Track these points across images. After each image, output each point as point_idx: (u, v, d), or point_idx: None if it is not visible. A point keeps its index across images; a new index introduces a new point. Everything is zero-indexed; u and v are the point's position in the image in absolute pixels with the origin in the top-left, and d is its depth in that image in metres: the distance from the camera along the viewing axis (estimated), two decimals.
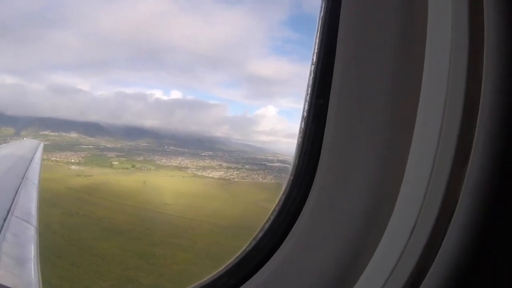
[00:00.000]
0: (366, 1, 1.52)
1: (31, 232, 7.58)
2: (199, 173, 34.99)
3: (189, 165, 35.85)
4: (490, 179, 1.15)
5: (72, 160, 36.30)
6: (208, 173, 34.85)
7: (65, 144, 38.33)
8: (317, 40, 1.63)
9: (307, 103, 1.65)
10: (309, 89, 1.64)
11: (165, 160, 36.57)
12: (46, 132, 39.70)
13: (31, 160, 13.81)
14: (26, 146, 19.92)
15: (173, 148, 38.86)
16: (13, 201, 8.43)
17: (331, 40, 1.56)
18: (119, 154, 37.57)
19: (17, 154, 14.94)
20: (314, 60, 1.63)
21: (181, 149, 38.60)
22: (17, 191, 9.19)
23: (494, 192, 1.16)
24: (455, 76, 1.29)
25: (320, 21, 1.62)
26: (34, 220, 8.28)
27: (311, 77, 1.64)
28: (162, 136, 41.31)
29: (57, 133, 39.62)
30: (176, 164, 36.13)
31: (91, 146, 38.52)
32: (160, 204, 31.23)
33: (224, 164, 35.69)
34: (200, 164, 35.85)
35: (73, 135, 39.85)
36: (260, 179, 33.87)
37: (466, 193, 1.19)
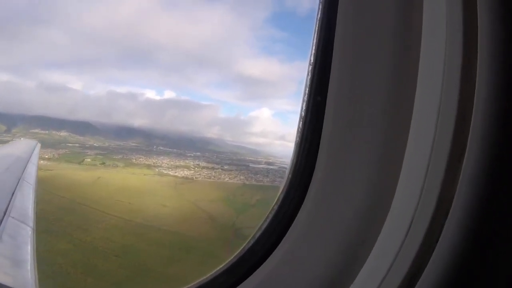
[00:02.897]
0: (364, 3, 1.54)
1: (28, 233, 7.40)
2: (165, 172, 34.68)
3: (163, 164, 35.48)
4: (484, 178, 1.17)
5: (46, 156, 35.05)
6: (175, 172, 34.53)
7: (51, 142, 37.25)
8: (315, 41, 1.65)
9: (304, 103, 1.67)
10: (307, 89, 1.66)
11: (142, 159, 36.06)
12: (36, 130, 38.68)
13: (28, 161, 13.36)
14: (23, 147, 19.11)
15: (161, 148, 38.43)
16: (9, 202, 8.20)
17: (328, 41, 1.58)
18: (100, 152, 36.82)
19: (14, 154, 14.35)
20: (312, 61, 1.65)
21: (169, 149, 38.27)
22: (13, 192, 8.93)
23: (488, 191, 1.16)
24: (450, 76, 1.30)
25: (318, 22, 1.64)
26: (30, 221, 8.08)
27: (309, 78, 1.65)
28: (154, 136, 40.99)
29: (47, 131, 38.43)
30: (149, 163, 35.70)
31: (77, 145, 37.67)
32: (92, 198, 30.85)
33: (203, 164, 35.49)
34: (176, 163, 35.55)
35: (63, 133, 38.91)
36: (227, 179, 33.79)
37: (461, 192, 1.20)
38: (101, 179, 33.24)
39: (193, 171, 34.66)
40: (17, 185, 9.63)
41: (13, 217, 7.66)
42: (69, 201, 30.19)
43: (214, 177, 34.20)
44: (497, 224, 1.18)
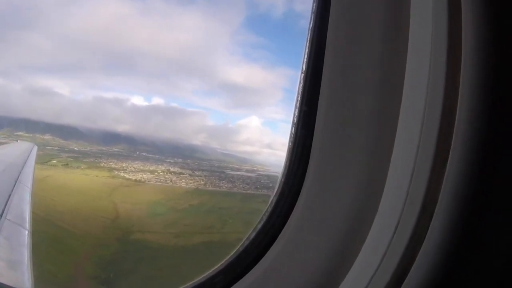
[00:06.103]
0: (353, 14, 1.58)
1: (24, 235, 7.58)
2: (121, 175, 33.94)
3: (130, 168, 34.74)
4: (467, 181, 1.18)
5: None
6: (132, 175, 33.65)
7: None
8: (307, 50, 1.68)
9: (297, 110, 1.70)
10: (299, 96, 1.69)
11: (112, 163, 35.06)
12: (21, 133, 37.02)
13: (25, 163, 13.04)
14: (20, 149, 18.27)
15: (144, 154, 37.38)
16: (5, 205, 8.33)
17: (320, 49, 1.61)
18: (73, 155, 35.58)
19: (10, 156, 13.89)
20: (304, 69, 1.68)
21: (150, 155, 37.34)
22: (10, 195, 8.99)
23: (471, 193, 1.18)
24: (434, 83, 1.31)
25: (310, 31, 1.68)
26: (27, 224, 8.24)
27: (301, 85, 1.68)
28: (140, 142, 39.70)
29: (31, 134, 36.78)
30: (115, 167, 34.77)
31: (56, 148, 36.23)
32: None
33: (174, 169, 34.71)
34: (145, 168, 34.86)
35: (47, 137, 37.32)
36: (184, 184, 33.09)
37: (445, 194, 1.22)
38: (48, 178, 31.79)
39: (154, 175, 34.12)
40: (13, 187, 9.68)
41: (9, 220, 7.77)
42: None
43: (171, 181, 33.41)
44: (480, 226, 1.19)
